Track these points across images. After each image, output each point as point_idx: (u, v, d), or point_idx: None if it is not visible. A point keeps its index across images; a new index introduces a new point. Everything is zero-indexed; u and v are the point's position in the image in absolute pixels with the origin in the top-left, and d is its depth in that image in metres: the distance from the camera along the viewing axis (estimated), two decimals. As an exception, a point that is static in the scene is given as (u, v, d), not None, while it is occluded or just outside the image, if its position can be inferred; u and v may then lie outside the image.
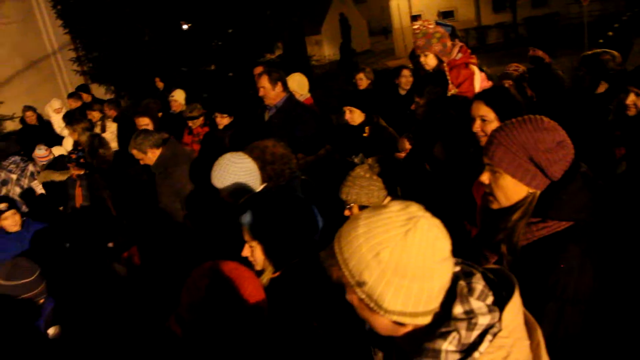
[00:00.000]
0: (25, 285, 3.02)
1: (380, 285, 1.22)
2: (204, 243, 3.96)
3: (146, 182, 5.11)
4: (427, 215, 1.25)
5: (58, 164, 6.91)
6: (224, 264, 1.82)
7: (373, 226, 1.24)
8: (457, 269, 1.30)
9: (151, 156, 4.62)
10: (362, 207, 2.73)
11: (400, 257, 1.20)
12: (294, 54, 15.31)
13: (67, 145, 6.93)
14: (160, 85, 9.95)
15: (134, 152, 4.65)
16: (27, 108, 9.25)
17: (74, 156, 5.83)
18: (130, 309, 3.12)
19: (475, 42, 22.42)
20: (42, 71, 14.23)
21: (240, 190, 3.19)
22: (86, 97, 9.58)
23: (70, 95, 9.84)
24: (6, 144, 7.51)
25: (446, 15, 23.21)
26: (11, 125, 9.91)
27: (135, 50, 12.60)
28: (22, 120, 9.30)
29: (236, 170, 3.22)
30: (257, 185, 3.29)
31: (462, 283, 1.27)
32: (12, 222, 4.47)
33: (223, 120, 6.60)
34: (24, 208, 6.56)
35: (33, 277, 3.04)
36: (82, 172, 5.92)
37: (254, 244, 2.30)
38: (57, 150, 6.96)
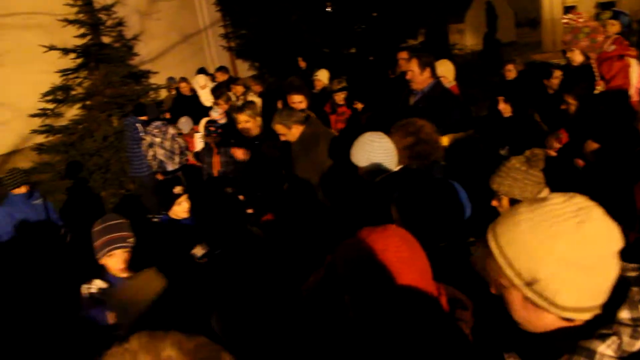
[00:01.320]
0: None
1: (555, 280, 1.15)
2: (339, 218, 3.96)
3: (277, 158, 5.24)
4: (596, 204, 1.17)
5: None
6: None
7: (539, 219, 1.17)
8: (633, 274, 1.22)
9: (295, 132, 4.72)
10: (512, 201, 2.66)
11: (577, 249, 1.13)
12: (435, 41, 14.96)
13: (214, 116, 7.29)
14: (302, 64, 10.16)
15: (278, 127, 4.75)
16: (182, 79, 9.88)
17: (212, 128, 6.15)
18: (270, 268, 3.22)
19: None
20: (192, 45, 15.12)
21: (376, 169, 3.27)
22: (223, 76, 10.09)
23: (218, 69, 10.36)
24: (148, 110, 8.04)
25: (606, 6, 21.40)
26: (164, 93, 10.59)
27: (281, 30, 12.96)
28: (177, 89, 9.95)
29: (374, 148, 3.28)
30: (394, 165, 3.34)
31: (635, 289, 1.18)
32: (183, 208, 4.13)
33: (358, 105, 6.74)
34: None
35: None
36: (219, 140, 6.21)
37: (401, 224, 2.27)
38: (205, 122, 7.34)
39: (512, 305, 1.26)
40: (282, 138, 4.82)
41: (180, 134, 7.62)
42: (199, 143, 7.51)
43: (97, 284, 3.17)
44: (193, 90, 9.79)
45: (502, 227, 1.23)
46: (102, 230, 3.19)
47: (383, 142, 3.32)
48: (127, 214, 7.81)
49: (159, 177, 7.71)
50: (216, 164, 6.47)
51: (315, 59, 10.66)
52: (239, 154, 5.73)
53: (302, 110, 5.08)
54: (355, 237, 1.68)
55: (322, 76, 8.18)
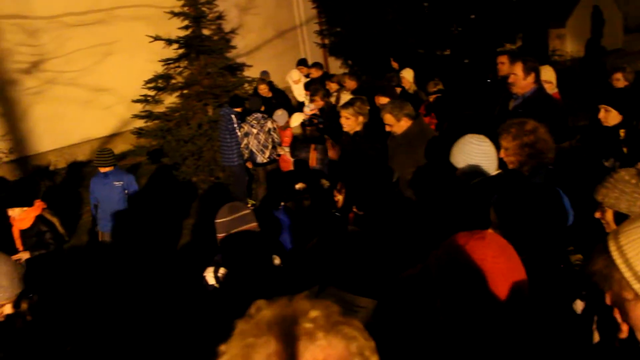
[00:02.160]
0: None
1: None
2: (433, 217, 3.92)
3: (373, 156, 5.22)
4: None
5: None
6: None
7: None
8: None
9: (403, 125, 4.72)
10: (617, 214, 2.51)
11: None
12: (534, 46, 14.40)
13: (307, 111, 7.41)
14: (395, 65, 10.09)
15: (388, 116, 4.73)
16: (261, 81, 9.98)
17: (315, 120, 6.23)
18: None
19: None
20: (287, 41, 15.40)
21: (474, 171, 3.25)
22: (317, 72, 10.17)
23: (313, 65, 10.48)
24: (250, 101, 8.27)
25: None
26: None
27: (375, 29, 12.95)
28: (255, 91, 10.09)
29: (473, 151, 3.26)
30: (493, 169, 3.29)
31: None
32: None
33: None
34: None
35: None
36: (317, 136, 6.29)
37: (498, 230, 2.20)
38: (297, 116, 7.47)
39: (636, 321, 1.21)
40: (388, 128, 4.83)
41: (275, 129, 7.80)
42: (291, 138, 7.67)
43: (222, 271, 3.20)
44: (272, 91, 9.92)
45: (628, 238, 1.17)
46: (229, 222, 3.22)
47: (483, 145, 3.30)
48: (216, 201, 8.15)
49: (249, 165, 7.98)
50: (312, 159, 6.60)
51: (408, 59, 10.57)
52: (332, 153, 5.81)
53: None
54: (453, 241, 1.65)
55: (408, 75, 8.11)
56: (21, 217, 5.17)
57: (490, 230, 2.02)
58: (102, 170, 6.34)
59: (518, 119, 3.40)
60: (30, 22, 10.96)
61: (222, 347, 1.02)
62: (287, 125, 7.73)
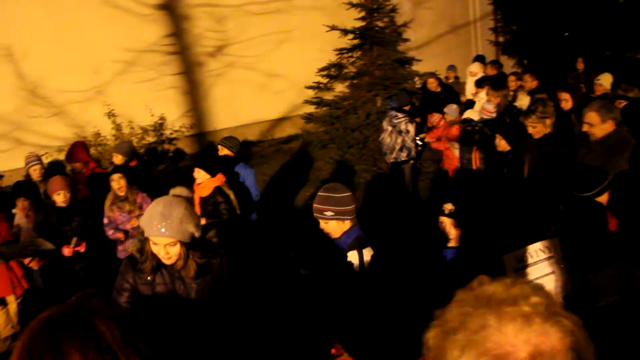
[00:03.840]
0: None
1: None
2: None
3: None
4: None
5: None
6: None
7: None
8: None
9: (606, 128, 4.35)
10: None
11: None
12: None
13: (489, 108, 7.11)
14: (580, 66, 9.38)
15: (592, 115, 4.37)
16: (431, 75, 9.77)
17: (469, 128, 6.10)
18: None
19: None
20: (459, 37, 14.99)
21: None
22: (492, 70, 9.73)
23: (490, 62, 10.09)
24: (398, 96, 8.20)
25: None
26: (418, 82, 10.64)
27: (557, 27, 12.12)
28: (424, 85, 9.90)
29: None
30: None
31: None
32: None
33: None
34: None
35: None
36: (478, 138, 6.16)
37: None
38: (471, 113, 7.20)
39: None
40: (585, 128, 4.47)
41: (408, 131, 7.75)
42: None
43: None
44: (441, 86, 9.65)
45: None
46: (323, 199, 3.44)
47: None
48: (377, 191, 8.17)
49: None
50: (475, 160, 6.43)
51: (594, 61, 9.76)
52: (502, 144, 5.61)
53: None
54: None
55: (605, 81, 7.45)
56: (203, 185, 5.54)
57: None
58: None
59: None
60: (219, 9, 11.81)
61: (439, 312, 1.08)
62: (456, 121, 7.52)
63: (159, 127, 11.42)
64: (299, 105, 11.01)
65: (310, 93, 10.07)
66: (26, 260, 5.45)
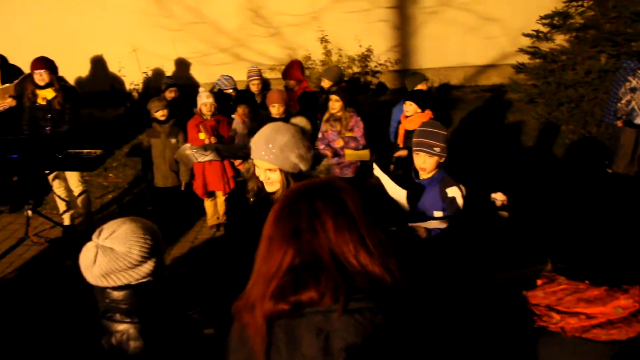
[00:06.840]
0: None
1: None
2: None
3: None
4: None
5: None
6: None
7: None
8: None
9: None
10: None
11: None
12: None
13: None
14: None
15: None
16: None
17: None
18: None
19: None
20: None
21: None
22: None
23: None
24: None
25: None
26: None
27: None
28: None
29: None
30: None
31: None
32: None
33: None
34: None
35: None
36: None
37: None
38: None
39: None
40: None
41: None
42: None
43: None
44: None
45: None
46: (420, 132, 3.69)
47: None
48: (581, 154, 7.56)
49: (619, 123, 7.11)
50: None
51: None
52: None
53: None
54: None
55: None
56: (412, 119, 5.62)
57: None
58: None
59: None
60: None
61: None
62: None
63: (365, 58, 11.67)
64: (511, 54, 10.48)
65: (526, 42, 9.50)
66: (237, 162, 6.07)
